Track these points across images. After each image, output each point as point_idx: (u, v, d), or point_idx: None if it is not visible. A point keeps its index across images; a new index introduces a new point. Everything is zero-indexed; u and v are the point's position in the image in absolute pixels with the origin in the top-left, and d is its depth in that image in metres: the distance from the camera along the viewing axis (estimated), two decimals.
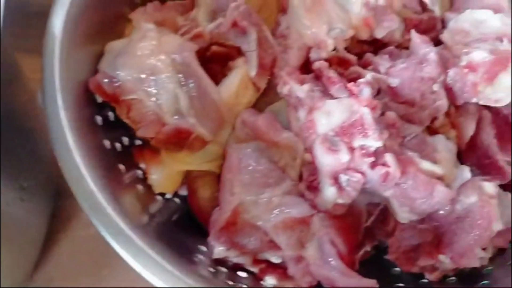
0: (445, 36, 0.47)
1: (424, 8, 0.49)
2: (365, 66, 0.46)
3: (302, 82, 0.43)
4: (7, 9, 0.57)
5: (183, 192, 0.50)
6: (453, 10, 0.50)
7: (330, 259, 0.42)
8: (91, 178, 0.38)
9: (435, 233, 0.44)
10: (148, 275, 0.37)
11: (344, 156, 0.41)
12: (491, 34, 0.46)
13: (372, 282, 0.42)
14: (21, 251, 0.51)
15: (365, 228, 0.47)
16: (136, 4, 0.51)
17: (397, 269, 0.47)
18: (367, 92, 0.41)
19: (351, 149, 0.41)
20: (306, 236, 0.43)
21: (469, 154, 0.47)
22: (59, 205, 0.57)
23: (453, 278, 0.46)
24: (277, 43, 0.48)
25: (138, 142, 0.48)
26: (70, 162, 0.38)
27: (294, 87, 0.43)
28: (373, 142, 0.40)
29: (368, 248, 0.48)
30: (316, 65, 0.45)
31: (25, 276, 0.54)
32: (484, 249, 0.44)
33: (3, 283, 0.49)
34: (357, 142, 0.41)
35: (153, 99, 0.43)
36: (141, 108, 0.43)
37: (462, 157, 0.47)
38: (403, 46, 0.48)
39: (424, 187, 0.40)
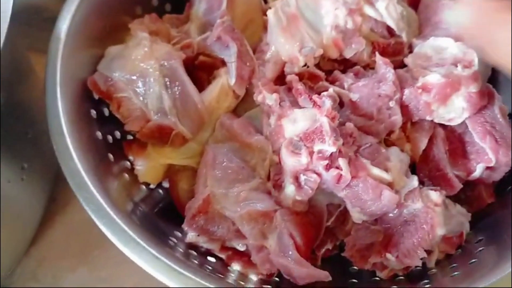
0: (408, 59, 0.52)
1: (392, 33, 0.54)
2: (333, 81, 0.51)
3: (273, 92, 0.49)
4: (24, 12, 0.63)
5: (166, 184, 0.56)
6: (421, 37, 0.55)
7: (288, 250, 0.47)
8: (80, 162, 0.44)
9: (385, 233, 0.49)
10: (129, 253, 0.42)
11: (304, 159, 0.46)
12: (449, 59, 0.51)
13: (324, 273, 0.46)
14: (17, 228, 0.57)
15: (327, 228, 0.52)
16: (137, 15, 0.57)
17: (355, 268, 0.52)
18: (328, 103, 0.46)
19: (311, 153, 0.46)
20: (268, 228, 0.48)
21: (423, 166, 0.52)
22: (58, 190, 0.63)
23: (402, 277, 0.50)
24: (257, 56, 0.54)
25: (130, 137, 0.54)
26: (63, 146, 0.44)
27: (266, 96, 0.49)
28: (329, 147, 0.45)
29: (329, 246, 0.53)
30: (288, 78, 0.51)
31: (20, 253, 0.59)
32: (430, 252, 0.49)
33: None
34: (316, 147, 0.46)
35: (140, 98, 0.49)
36: (129, 105, 0.49)
37: (416, 168, 0.52)
38: (371, 67, 0.53)
39: (373, 190, 0.45)
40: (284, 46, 0.50)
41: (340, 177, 0.45)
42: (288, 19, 0.49)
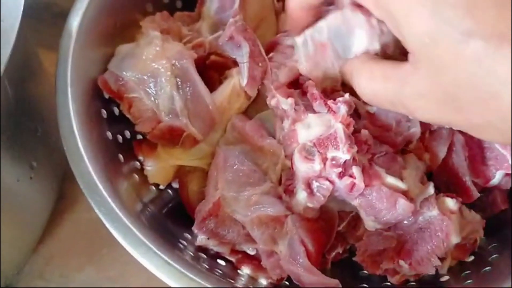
0: None
1: None
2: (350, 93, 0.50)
3: (288, 96, 0.48)
4: (34, 8, 0.63)
5: (176, 185, 0.55)
6: None
7: (298, 257, 0.46)
8: (91, 163, 0.43)
9: (398, 240, 0.48)
10: (138, 257, 0.42)
11: (317, 165, 0.45)
12: None
13: (334, 282, 0.46)
14: (26, 227, 0.56)
15: (338, 232, 0.51)
16: (148, 12, 0.56)
17: (365, 272, 0.52)
18: (343, 109, 0.45)
19: (324, 159, 0.45)
20: (279, 234, 0.47)
21: (441, 173, 0.51)
22: (67, 188, 0.63)
23: (413, 283, 0.50)
24: (273, 56, 0.53)
25: (139, 136, 0.54)
26: (73, 146, 0.44)
27: (281, 100, 0.48)
28: (343, 154, 0.44)
29: (340, 250, 0.52)
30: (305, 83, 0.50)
31: (28, 250, 0.59)
32: (443, 259, 0.48)
33: (7, 255, 0.54)
34: (330, 154, 0.45)
35: (152, 98, 0.48)
36: (140, 105, 0.48)
37: (433, 175, 0.51)
38: None
39: (387, 199, 0.44)
40: (306, 69, 0.49)
41: (353, 185, 0.44)
42: (316, 48, 0.47)
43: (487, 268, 0.47)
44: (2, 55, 0.39)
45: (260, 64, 0.51)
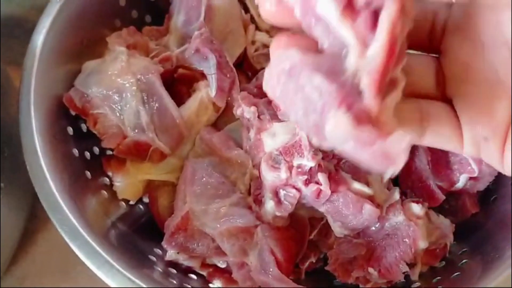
0: None
1: None
2: None
3: (252, 105, 0.48)
4: (5, 25, 0.62)
5: (147, 199, 0.55)
6: None
7: (268, 267, 0.46)
8: (54, 182, 0.43)
9: (368, 247, 0.48)
10: (103, 276, 0.42)
11: (283, 173, 0.45)
12: None
13: None
14: None
15: (310, 241, 0.51)
16: (117, 27, 0.56)
17: (339, 281, 0.52)
18: None
19: (290, 167, 0.45)
20: (249, 245, 0.47)
21: (405, 177, 0.51)
22: (39, 206, 0.62)
23: None
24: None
25: (109, 152, 0.53)
26: (36, 165, 0.44)
27: (245, 109, 0.48)
28: (307, 162, 0.44)
29: (313, 259, 0.52)
30: None
31: None
32: (413, 265, 0.48)
33: None
34: (296, 161, 0.45)
35: (117, 114, 0.48)
36: (105, 121, 0.48)
37: (398, 180, 0.52)
38: None
39: (354, 205, 0.45)
40: None
41: (319, 192, 0.44)
42: None
43: (457, 273, 0.47)
44: None
45: (228, 75, 0.51)
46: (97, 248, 0.41)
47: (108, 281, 0.40)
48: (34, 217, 0.62)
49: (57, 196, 0.43)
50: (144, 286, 0.41)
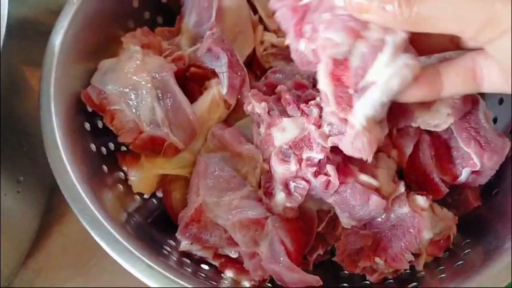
0: None
1: None
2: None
3: (262, 101, 0.50)
4: (19, 27, 0.65)
5: (160, 194, 0.57)
6: None
7: (279, 256, 0.48)
8: (74, 174, 0.45)
9: (374, 238, 0.50)
10: (123, 263, 0.43)
11: (293, 166, 0.47)
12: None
13: (315, 278, 0.47)
14: (14, 240, 0.58)
15: (318, 233, 0.53)
16: (130, 28, 0.58)
17: (346, 272, 0.53)
18: (315, 112, 0.47)
19: (300, 160, 0.47)
20: (260, 235, 0.49)
21: (410, 171, 0.53)
22: (55, 201, 0.64)
23: (391, 280, 0.52)
24: None
25: (123, 148, 0.56)
26: (58, 159, 0.46)
27: (255, 105, 0.50)
28: (317, 154, 0.46)
29: (321, 251, 0.54)
30: (277, 88, 0.52)
31: (17, 264, 0.60)
32: (418, 255, 0.50)
33: None
34: (305, 154, 0.47)
35: (133, 110, 0.50)
36: (122, 117, 0.50)
37: (403, 174, 0.54)
38: None
39: (361, 196, 0.46)
40: None
41: (328, 183, 0.46)
42: None
43: (460, 262, 0.49)
44: None
45: (238, 74, 0.53)
46: (117, 236, 0.43)
47: (128, 267, 0.42)
48: (50, 212, 0.64)
49: (78, 187, 0.45)
50: (164, 272, 0.42)
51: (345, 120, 0.43)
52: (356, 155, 0.43)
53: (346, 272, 0.53)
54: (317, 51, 0.41)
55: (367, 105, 0.41)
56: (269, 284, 0.51)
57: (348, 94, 0.41)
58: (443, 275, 0.49)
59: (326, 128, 0.45)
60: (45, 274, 0.61)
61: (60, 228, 0.64)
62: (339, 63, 0.40)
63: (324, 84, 0.42)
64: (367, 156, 0.43)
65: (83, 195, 0.44)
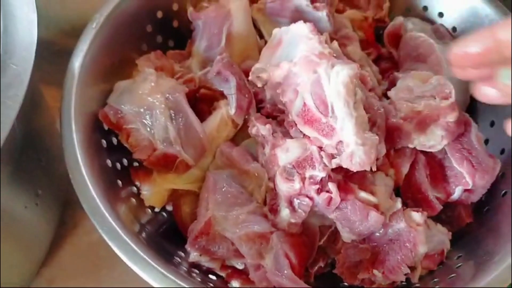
0: (391, 92, 0.57)
1: None
2: None
3: (266, 124, 0.54)
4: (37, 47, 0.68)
5: (170, 208, 0.60)
6: (402, 70, 0.61)
7: (283, 269, 0.51)
8: (93, 188, 0.48)
9: (372, 251, 0.53)
10: (138, 271, 0.46)
11: (297, 184, 0.50)
12: (428, 92, 0.56)
13: None
14: (30, 250, 0.60)
15: (319, 247, 0.56)
16: (143, 51, 0.62)
17: (346, 284, 0.56)
18: None
19: (303, 179, 0.50)
20: (265, 249, 0.52)
21: (406, 189, 0.56)
22: (67, 214, 0.67)
23: None
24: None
25: (136, 164, 0.59)
26: (78, 174, 0.49)
27: (260, 128, 0.54)
28: (319, 173, 0.49)
29: (322, 264, 0.57)
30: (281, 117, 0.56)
31: (31, 274, 0.63)
32: (413, 268, 0.53)
33: (12, 278, 0.58)
34: (308, 173, 0.50)
35: (148, 128, 0.53)
36: (137, 135, 0.53)
37: (400, 191, 0.57)
38: None
39: (361, 212, 0.50)
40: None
41: (330, 199, 0.49)
42: None
43: (453, 275, 0.52)
44: (18, 96, 0.44)
45: (246, 95, 0.57)
46: (133, 246, 0.46)
47: (144, 275, 0.45)
48: (62, 224, 0.67)
49: (97, 200, 0.48)
50: (177, 280, 0.45)
51: (340, 142, 0.48)
52: (359, 168, 0.47)
53: (346, 283, 0.56)
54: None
55: (345, 121, 0.47)
56: None
57: (324, 123, 0.48)
58: (437, 287, 0.52)
59: (329, 150, 0.49)
60: (57, 283, 0.64)
61: (72, 240, 0.66)
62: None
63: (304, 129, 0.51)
64: (368, 167, 0.48)
65: (102, 207, 0.47)
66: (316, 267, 0.57)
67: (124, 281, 0.63)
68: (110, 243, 0.46)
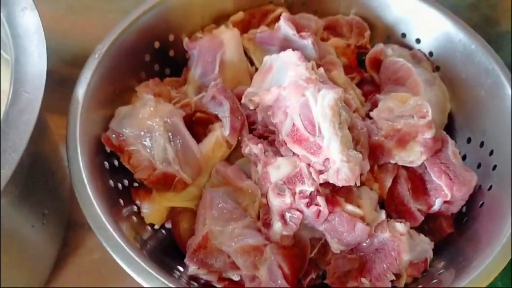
0: (373, 113, 0.62)
1: None
2: None
3: (257, 143, 0.58)
4: None
5: (169, 225, 0.63)
6: (383, 92, 0.66)
7: (277, 279, 0.54)
8: (99, 206, 0.52)
9: (360, 261, 0.57)
10: (143, 282, 0.49)
11: (288, 199, 0.54)
12: (407, 111, 0.60)
13: None
14: (36, 269, 0.63)
15: (310, 259, 0.59)
16: (142, 78, 0.67)
17: None
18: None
19: (293, 194, 0.54)
20: (259, 260, 0.55)
21: (389, 201, 0.60)
22: (69, 235, 0.70)
23: None
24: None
25: (136, 184, 0.62)
26: (84, 193, 0.52)
27: (252, 147, 0.58)
28: (308, 187, 0.53)
29: (313, 275, 0.60)
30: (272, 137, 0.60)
31: None
32: (399, 276, 0.57)
33: None
34: (298, 188, 0.54)
35: (148, 150, 0.57)
36: (138, 156, 0.57)
37: (384, 204, 0.61)
38: None
39: (348, 223, 0.54)
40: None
41: (319, 212, 0.53)
42: None
43: (435, 281, 0.56)
44: (30, 120, 0.47)
45: (239, 118, 0.61)
46: (137, 259, 0.49)
47: (146, 285, 0.48)
48: (65, 246, 0.70)
49: (102, 218, 0.51)
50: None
51: (327, 160, 0.52)
52: (345, 184, 0.51)
53: None
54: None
55: (331, 140, 0.52)
56: None
57: (312, 142, 0.53)
58: None
59: (317, 166, 0.53)
60: None
61: (74, 260, 0.69)
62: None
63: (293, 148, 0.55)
64: (353, 182, 0.52)
65: (107, 225, 0.51)
66: (308, 279, 0.60)
67: None
68: (115, 256, 0.49)
